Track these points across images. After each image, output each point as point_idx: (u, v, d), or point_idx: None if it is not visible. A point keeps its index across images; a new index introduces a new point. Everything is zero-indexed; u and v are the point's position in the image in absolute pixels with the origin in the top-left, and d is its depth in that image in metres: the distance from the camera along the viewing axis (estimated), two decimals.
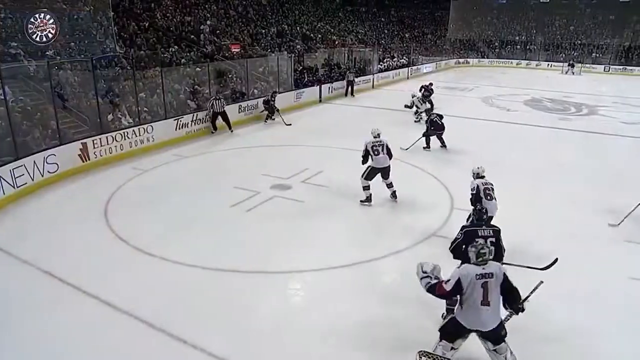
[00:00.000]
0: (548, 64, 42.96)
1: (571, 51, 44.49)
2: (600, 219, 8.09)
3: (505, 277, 4.16)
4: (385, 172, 8.63)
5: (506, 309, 4.30)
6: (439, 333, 4.32)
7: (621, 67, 40.90)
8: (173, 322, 5.21)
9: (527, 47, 46.92)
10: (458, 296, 4.20)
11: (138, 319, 5.26)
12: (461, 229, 5.38)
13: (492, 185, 6.86)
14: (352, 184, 9.55)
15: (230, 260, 6.60)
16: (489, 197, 6.74)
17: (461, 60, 43.56)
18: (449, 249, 5.30)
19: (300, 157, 11.63)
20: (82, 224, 7.78)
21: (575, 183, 10.05)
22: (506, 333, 4.18)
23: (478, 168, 7.06)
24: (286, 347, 4.96)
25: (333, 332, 5.18)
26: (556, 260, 5.27)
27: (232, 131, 14.23)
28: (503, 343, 4.15)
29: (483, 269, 4.12)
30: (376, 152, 8.54)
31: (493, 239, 5.17)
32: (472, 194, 6.81)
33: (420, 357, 3.43)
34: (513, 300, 4.24)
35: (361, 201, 8.71)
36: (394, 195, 8.80)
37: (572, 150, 13.19)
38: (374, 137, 8.73)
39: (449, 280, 4.17)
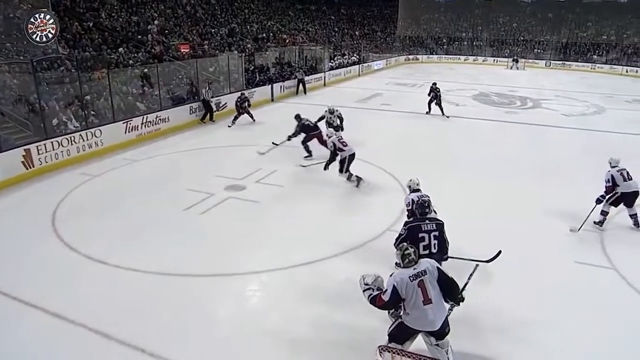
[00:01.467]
0: (494, 60, 44.55)
1: (515, 47, 46.22)
2: (545, 211, 8.50)
3: (440, 271, 4.18)
4: (353, 158, 9.42)
5: (447, 302, 4.30)
6: (387, 337, 4.31)
7: (560, 62, 42.87)
8: (130, 332, 5.11)
9: (474, 43, 48.35)
10: (402, 303, 4.18)
11: (94, 331, 5.13)
12: (404, 225, 5.48)
13: (428, 198, 6.31)
14: (306, 182, 9.63)
15: (186, 265, 6.53)
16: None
17: (411, 56, 44.43)
18: (394, 245, 5.31)
19: (254, 157, 11.59)
20: (28, 234, 7.51)
21: (521, 174, 10.49)
22: (449, 329, 4.23)
23: (411, 181, 6.80)
24: (244, 351, 4.95)
25: (291, 333, 5.21)
26: (500, 252, 5.34)
27: (213, 121, 15.70)
28: (446, 338, 4.21)
29: (414, 269, 4.14)
30: (344, 144, 9.35)
31: (437, 233, 5.27)
32: (407, 210, 6.50)
33: (381, 352, 3.46)
34: (452, 291, 4.24)
35: (356, 186, 9.40)
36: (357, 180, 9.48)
37: (518, 143, 13.71)
38: (336, 134, 9.61)
39: (386, 291, 4.16)
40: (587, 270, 6.65)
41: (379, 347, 3.42)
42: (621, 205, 7.91)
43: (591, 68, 40.96)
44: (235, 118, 15.47)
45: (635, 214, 7.91)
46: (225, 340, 5.12)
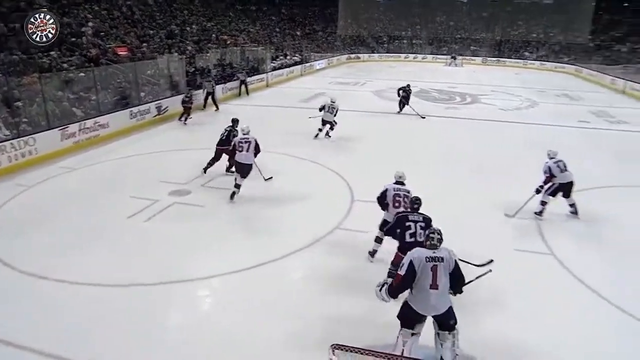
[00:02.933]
0: (433, 57, 45.83)
1: (453, 45, 47.75)
2: (485, 201, 8.85)
3: (456, 264, 4.35)
4: (245, 169, 8.86)
5: (451, 288, 4.45)
6: (399, 321, 4.48)
7: (495, 59, 44.74)
8: (79, 347, 4.92)
9: (413, 41, 49.52)
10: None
11: (39, 352, 4.85)
12: (395, 215, 5.84)
13: (407, 193, 6.67)
14: (252, 184, 9.59)
15: (134, 274, 6.35)
16: (396, 205, 6.67)
17: (352, 55, 44.91)
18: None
19: (198, 160, 11.35)
20: None
21: (462, 167, 10.88)
22: (455, 322, 4.39)
23: (397, 172, 6.92)
24: (199, 358, 4.89)
25: (245, 337, 5.19)
26: (491, 260, 5.48)
27: (218, 109, 17.66)
28: (451, 333, 4.37)
29: (434, 252, 4.29)
30: (240, 149, 8.81)
31: (423, 224, 5.50)
32: (379, 195, 6.76)
33: (334, 351, 3.48)
34: (456, 284, 4.43)
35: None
36: (232, 196, 8.92)
37: (459, 137, 14.17)
38: (244, 133, 9.02)
39: (402, 266, 4.32)
40: (526, 257, 7.02)
41: (331, 346, 3.44)
42: (559, 195, 8.34)
43: (523, 64, 43.00)
44: (187, 116, 15.71)
45: (574, 204, 8.38)
46: (178, 348, 5.02)
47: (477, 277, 4.88)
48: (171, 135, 14.41)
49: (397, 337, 4.45)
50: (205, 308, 6.00)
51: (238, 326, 5.37)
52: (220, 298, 6.14)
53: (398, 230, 5.61)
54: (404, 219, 5.64)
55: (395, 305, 4.66)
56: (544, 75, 36.33)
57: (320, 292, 6.08)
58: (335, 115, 13.38)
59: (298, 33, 44.01)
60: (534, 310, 5.76)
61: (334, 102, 13.44)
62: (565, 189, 8.26)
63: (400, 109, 17.95)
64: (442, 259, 4.28)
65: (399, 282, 4.36)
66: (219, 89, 19.80)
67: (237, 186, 8.87)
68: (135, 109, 14.93)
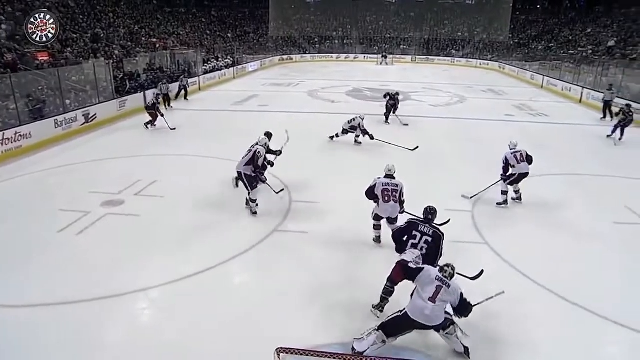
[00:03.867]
0: (364, 57, 46.74)
1: (383, 44, 48.87)
2: (422, 195, 9.10)
3: (461, 300, 4.66)
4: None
5: (455, 314, 4.76)
6: (382, 325, 4.65)
7: (424, 56, 46.27)
8: None
9: (344, 41, 50.22)
10: (412, 282, 4.75)
11: None
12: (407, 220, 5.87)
13: (396, 187, 6.95)
14: (188, 190, 9.42)
15: (67, 291, 6.04)
16: (386, 199, 6.92)
17: (285, 57, 44.95)
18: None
19: (131, 168, 11.02)
20: None
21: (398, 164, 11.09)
22: (447, 324, 4.65)
23: (387, 166, 7.19)
24: None
25: (189, 348, 5.08)
26: (482, 272, 5.66)
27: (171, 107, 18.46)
28: (450, 327, 4.68)
29: (444, 276, 4.61)
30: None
31: (430, 239, 5.51)
32: (369, 187, 7.04)
33: (279, 354, 3.47)
34: (465, 310, 4.74)
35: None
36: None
37: (392, 134, 14.48)
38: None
39: (415, 261, 5.01)
40: (463, 247, 7.27)
41: (276, 349, 3.44)
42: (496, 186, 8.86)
43: (451, 62, 44.77)
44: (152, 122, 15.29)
45: (519, 190, 8.94)
46: None
47: (487, 299, 5.00)
48: (101, 143, 13.78)
49: (369, 334, 4.62)
50: (146, 320, 5.80)
51: (181, 337, 5.24)
52: (161, 309, 5.95)
53: (405, 237, 5.59)
54: (413, 227, 5.63)
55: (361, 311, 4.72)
56: (471, 72, 37.95)
57: (263, 297, 6.05)
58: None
59: (229, 35, 43.56)
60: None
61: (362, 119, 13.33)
62: (520, 179, 8.76)
63: (387, 119, 16.81)
64: (448, 285, 4.60)
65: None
66: (150, 94, 19.26)
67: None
68: (60, 118, 14.17)
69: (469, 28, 50.23)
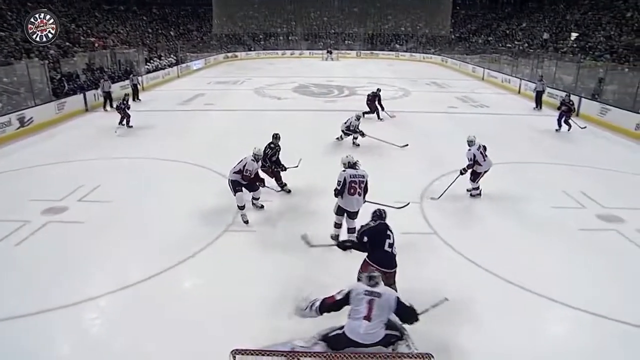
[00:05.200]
0: (309, 52, 46.87)
1: (327, 40, 49.15)
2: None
3: (398, 305, 4.47)
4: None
5: (404, 322, 4.63)
6: (325, 338, 4.49)
7: (369, 51, 46.90)
8: None
9: (289, 37, 50.22)
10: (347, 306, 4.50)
11: None
12: (364, 231, 5.55)
13: (362, 178, 6.86)
14: (133, 194, 9.18)
15: (10, 307, 5.72)
16: (352, 191, 6.77)
17: (229, 54, 44.48)
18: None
19: (73, 174, 10.57)
20: None
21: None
22: (400, 337, 4.55)
23: (346, 157, 7.02)
24: None
25: (141, 355, 4.95)
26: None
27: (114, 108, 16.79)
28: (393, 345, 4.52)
29: (373, 287, 4.44)
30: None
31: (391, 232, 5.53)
32: (337, 185, 6.79)
33: (234, 356, 3.44)
34: (409, 318, 4.57)
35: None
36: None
37: (337, 128, 14.54)
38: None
39: (341, 291, 4.53)
40: (413, 238, 7.44)
41: (232, 351, 3.40)
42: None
43: (395, 56, 45.55)
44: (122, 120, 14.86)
45: (479, 187, 9.10)
46: None
47: (432, 306, 4.89)
48: (39, 148, 13.12)
49: (314, 344, 4.48)
50: (96, 331, 5.54)
51: (132, 346, 5.09)
52: (109, 319, 5.71)
53: (377, 240, 5.43)
54: (383, 230, 5.53)
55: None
56: (415, 66, 38.74)
57: (217, 297, 5.96)
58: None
59: (172, 33, 42.61)
60: (421, 287, 6.11)
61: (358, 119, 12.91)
62: (483, 175, 8.90)
63: (379, 116, 16.46)
64: (380, 295, 4.44)
65: (331, 302, 4.56)
66: (90, 95, 18.61)
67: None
68: None
69: (412, 23, 51.29)
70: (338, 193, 6.84)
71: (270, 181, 9.12)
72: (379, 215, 5.76)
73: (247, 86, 25.62)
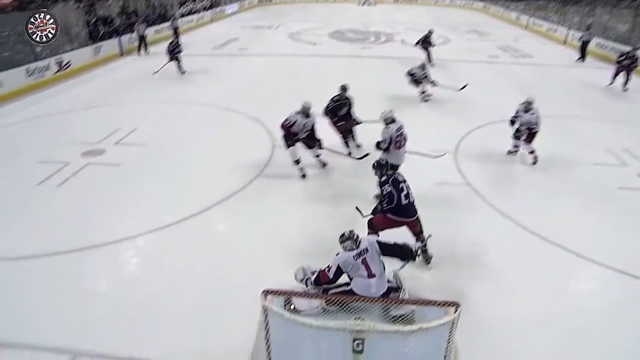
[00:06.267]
0: None
1: None
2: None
3: (380, 245, 4.52)
4: None
5: (401, 260, 4.69)
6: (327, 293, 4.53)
7: None
8: (6, 325, 4.63)
9: None
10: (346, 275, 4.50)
11: None
12: (385, 182, 5.39)
13: (403, 130, 6.72)
14: (168, 138, 9.27)
15: (52, 243, 5.98)
16: (397, 145, 6.64)
17: None
18: (385, 205, 5.33)
19: (110, 117, 10.75)
20: None
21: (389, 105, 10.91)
22: (397, 289, 4.60)
23: (384, 113, 6.72)
24: (130, 320, 4.76)
25: (175, 295, 5.11)
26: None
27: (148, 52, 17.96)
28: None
29: (356, 250, 4.46)
30: None
31: (407, 182, 5.44)
32: (385, 143, 6.61)
33: (266, 296, 3.50)
34: (403, 253, 4.61)
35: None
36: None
37: (373, 76, 14.26)
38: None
39: (330, 269, 4.49)
40: (446, 189, 7.43)
41: (263, 291, 3.46)
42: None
43: (434, 2, 43.61)
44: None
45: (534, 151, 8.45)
46: (109, 312, 4.86)
47: (401, 267, 4.88)
48: (77, 91, 13.34)
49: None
50: (131, 269, 5.80)
51: (166, 285, 5.28)
52: (145, 258, 5.95)
53: (396, 196, 5.31)
54: (398, 182, 5.38)
55: None
56: (455, 12, 37.19)
57: (247, 242, 6.07)
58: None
59: None
60: (453, 231, 6.23)
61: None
62: (532, 133, 8.27)
63: (430, 59, 15.80)
64: (366, 249, 4.48)
65: (326, 281, 4.56)
66: (125, 39, 18.61)
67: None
68: (32, 66, 13.63)
69: None
70: (385, 150, 6.68)
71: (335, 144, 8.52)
72: (384, 165, 5.62)
73: (282, 31, 25.17)
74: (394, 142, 6.63)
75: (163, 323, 4.70)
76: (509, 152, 8.77)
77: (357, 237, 4.55)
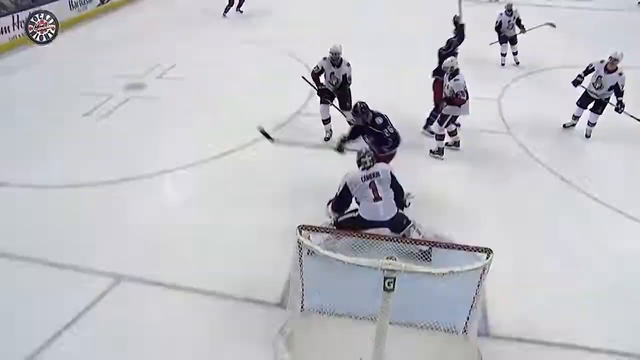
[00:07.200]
0: None
1: None
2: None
3: (393, 178, 4.54)
4: None
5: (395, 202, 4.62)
6: (338, 225, 4.58)
7: None
8: (50, 248, 4.91)
9: None
10: (354, 199, 4.55)
11: (10, 256, 4.83)
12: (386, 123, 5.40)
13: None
14: (209, 70, 9.36)
15: (97, 173, 6.23)
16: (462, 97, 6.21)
17: None
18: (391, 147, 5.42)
19: (149, 52, 10.74)
20: None
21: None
22: (408, 221, 4.57)
23: (448, 61, 6.23)
24: (171, 250, 4.94)
25: (218, 227, 5.24)
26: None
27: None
28: (405, 229, 4.53)
29: (368, 170, 4.48)
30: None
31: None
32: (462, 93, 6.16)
33: (300, 231, 3.56)
34: (397, 194, 4.60)
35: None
36: None
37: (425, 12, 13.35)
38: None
39: (339, 187, 4.55)
40: (489, 137, 7.27)
41: (298, 227, 3.53)
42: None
43: None
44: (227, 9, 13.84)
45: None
46: (149, 242, 5.05)
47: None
48: (118, 27, 13.23)
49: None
50: (173, 200, 6.03)
51: (208, 217, 5.42)
52: (187, 190, 6.15)
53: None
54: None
55: None
56: None
57: (287, 179, 6.12)
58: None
59: None
60: (494, 178, 6.23)
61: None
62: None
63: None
64: (377, 173, 4.48)
65: (337, 200, 4.63)
66: None
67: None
68: None
69: None
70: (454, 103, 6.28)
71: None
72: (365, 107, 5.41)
73: None
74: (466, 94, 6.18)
75: (204, 252, 4.90)
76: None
77: (373, 159, 4.58)
